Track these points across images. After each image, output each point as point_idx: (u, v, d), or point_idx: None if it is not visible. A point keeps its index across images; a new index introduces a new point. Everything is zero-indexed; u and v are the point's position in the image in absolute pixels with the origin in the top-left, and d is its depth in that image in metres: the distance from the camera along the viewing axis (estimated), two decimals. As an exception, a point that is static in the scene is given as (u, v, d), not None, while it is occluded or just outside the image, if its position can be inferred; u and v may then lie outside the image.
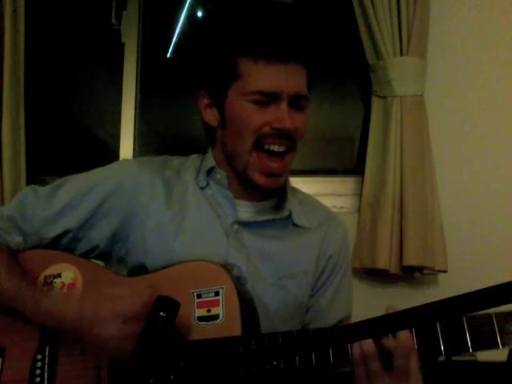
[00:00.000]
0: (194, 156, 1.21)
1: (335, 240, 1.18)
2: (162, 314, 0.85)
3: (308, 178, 2.04)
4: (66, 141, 2.32)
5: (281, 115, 1.03)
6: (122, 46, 2.23)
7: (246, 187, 1.12)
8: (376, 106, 1.94)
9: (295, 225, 1.13)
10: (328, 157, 2.22)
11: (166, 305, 0.86)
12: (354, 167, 2.10)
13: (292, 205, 1.14)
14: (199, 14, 2.28)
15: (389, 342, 0.82)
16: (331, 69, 2.09)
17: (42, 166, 2.18)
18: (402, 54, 1.88)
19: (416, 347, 0.82)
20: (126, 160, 1.17)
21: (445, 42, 1.96)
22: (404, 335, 0.82)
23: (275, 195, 1.15)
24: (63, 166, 2.24)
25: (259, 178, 1.06)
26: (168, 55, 2.28)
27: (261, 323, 0.99)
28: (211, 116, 1.11)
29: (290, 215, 1.12)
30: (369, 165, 1.93)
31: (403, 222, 1.81)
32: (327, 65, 2.03)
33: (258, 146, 1.05)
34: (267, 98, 1.03)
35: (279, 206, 1.14)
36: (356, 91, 2.12)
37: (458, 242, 1.86)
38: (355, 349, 0.84)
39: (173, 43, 2.26)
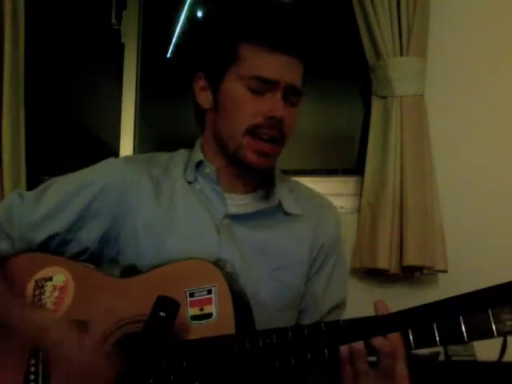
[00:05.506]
0: (181, 150, 1.19)
1: (327, 227, 1.17)
2: (162, 314, 0.85)
3: (308, 178, 2.03)
4: (66, 141, 2.32)
5: (274, 105, 1.03)
6: (122, 45, 2.23)
7: (235, 177, 1.12)
8: (376, 105, 1.94)
9: (286, 213, 1.12)
10: (328, 157, 2.22)
11: (166, 305, 0.86)
12: (354, 167, 2.10)
13: (282, 193, 1.13)
14: (199, 13, 2.28)
15: (377, 340, 0.81)
16: (331, 69, 2.09)
17: (42, 166, 2.18)
18: (402, 54, 1.88)
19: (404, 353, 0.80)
20: (112, 159, 1.16)
21: (445, 42, 1.95)
22: (393, 335, 0.81)
23: (264, 185, 1.15)
24: (63, 166, 2.23)
25: (251, 157, 1.06)
26: (168, 55, 2.28)
27: (258, 316, 0.98)
28: (205, 99, 1.11)
29: (280, 204, 1.11)
30: (369, 165, 1.93)
31: (403, 222, 1.81)
32: (327, 65, 2.03)
33: (251, 133, 1.05)
34: (264, 86, 1.03)
35: (268, 195, 1.13)
36: (356, 91, 2.12)
37: (458, 242, 1.85)
38: (343, 348, 0.82)
39: (173, 43, 2.26)
